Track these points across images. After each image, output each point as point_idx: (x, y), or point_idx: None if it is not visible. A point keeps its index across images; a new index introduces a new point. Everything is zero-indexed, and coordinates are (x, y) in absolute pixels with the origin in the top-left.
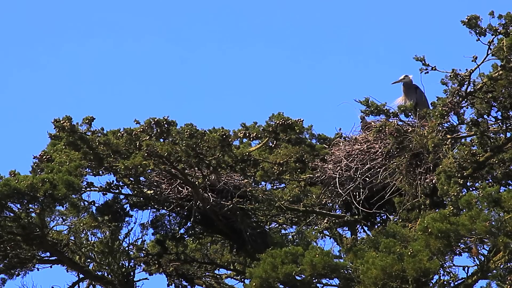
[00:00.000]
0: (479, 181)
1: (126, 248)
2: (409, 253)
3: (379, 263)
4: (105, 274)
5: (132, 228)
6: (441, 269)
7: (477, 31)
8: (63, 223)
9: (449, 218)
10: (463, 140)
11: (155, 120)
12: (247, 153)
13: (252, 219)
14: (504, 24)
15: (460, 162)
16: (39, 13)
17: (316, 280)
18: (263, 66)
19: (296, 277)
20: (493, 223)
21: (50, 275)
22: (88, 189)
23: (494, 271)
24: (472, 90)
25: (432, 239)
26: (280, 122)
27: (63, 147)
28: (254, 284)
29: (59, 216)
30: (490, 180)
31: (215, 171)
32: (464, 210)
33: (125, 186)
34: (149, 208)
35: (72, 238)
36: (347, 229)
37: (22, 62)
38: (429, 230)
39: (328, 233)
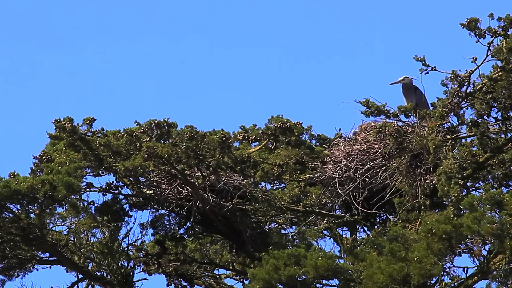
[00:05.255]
0: (479, 182)
1: (126, 249)
2: (415, 258)
3: (386, 269)
4: (105, 275)
5: (131, 228)
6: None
7: (477, 33)
8: (63, 223)
9: (454, 221)
10: (463, 141)
11: (156, 122)
12: (246, 155)
13: (252, 220)
14: (503, 26)
15: (460, 162)
16: (39, 13)
17: (317, 281)
18: (263, 66)
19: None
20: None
21: (50, 275)
22: (87, 189)
23: (494, 272)
24: (472, 90)
25: (434, 240)
26: (279, 125)
27: (63, 147)
28: (257, 286)
29: (59, 217)
30: (491, 181)
31: (215, 172)
32: (466, 212)
33: (125, 186)
34: (149, 208)
35: (72, 238)
36: (346, 229)
37: (22, 62)
38: (434, 231)
39: (327, 233)
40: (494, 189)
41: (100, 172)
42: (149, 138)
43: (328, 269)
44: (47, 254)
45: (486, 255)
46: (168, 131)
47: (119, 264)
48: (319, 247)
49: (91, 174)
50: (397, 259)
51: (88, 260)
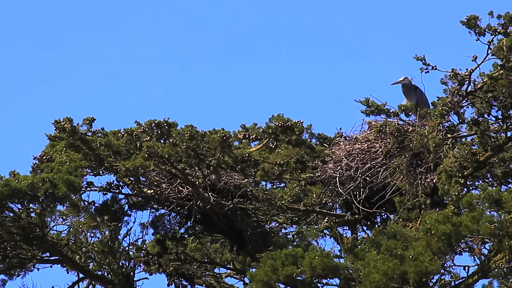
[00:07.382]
0: (479, 181)
1: (126, 248)
2: (411, 256)
3: (381, 267)
4: (105, 274)
5: (131, 227)
6: (441, 269)
7: (477, 31)
8: (63, 222)
9: (452, 219)
10: (463, 140)
11: (156, 122)
12: (247, 154)
13: (252, 219)
14: (503, 24)
15: (460, 161)
16: (38, 12)
17: (317, 280)
18: (263, 65)
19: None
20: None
21: (50, 275)
22: (88, 189)
23: (496, 269)
24: (472, 89)
25: (433, 239)
26: (280, 124)
27: (63, 148)
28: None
29: (60, 216)
30: (490, 179)
31: (215, 171)
32: (465, 210)
33: (125, 186)
34: (149, 208)
35: (72, 238)
36: (347, 228)
37: (22, 62)
38: (433, 231)
39: (328, 233)
40: (493, 187)
41: (101, 171)
42: (149, 137)
43: (325, 268)
44: (48, 254)
45: (486, 254)
46: (168, 131)
47: (120, 264)
48: (317, 246)
49: (91, 173)
50: (393, 256)
51: (89, 260)
